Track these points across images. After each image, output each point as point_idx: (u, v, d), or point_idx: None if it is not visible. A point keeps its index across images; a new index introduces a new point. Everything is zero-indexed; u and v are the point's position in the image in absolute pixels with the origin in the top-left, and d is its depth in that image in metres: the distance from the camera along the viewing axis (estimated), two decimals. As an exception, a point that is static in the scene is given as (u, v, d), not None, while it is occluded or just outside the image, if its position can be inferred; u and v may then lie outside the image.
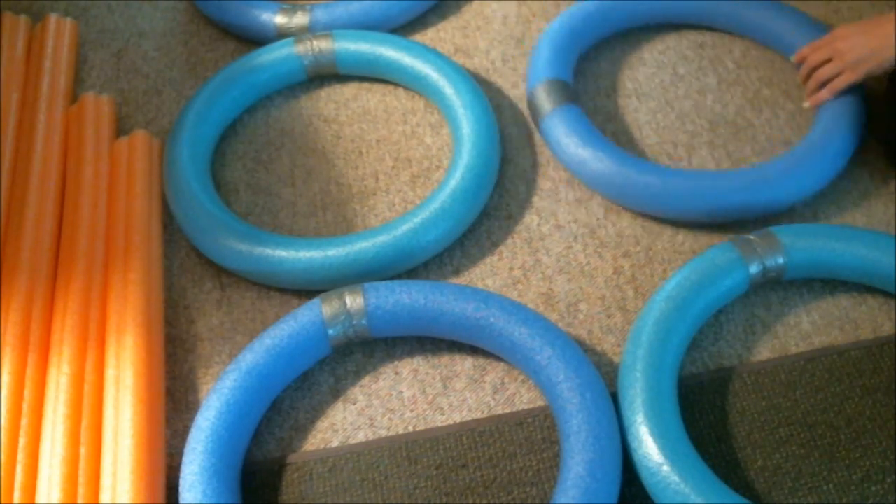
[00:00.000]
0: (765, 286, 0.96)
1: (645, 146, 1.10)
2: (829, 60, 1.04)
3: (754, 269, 0.92)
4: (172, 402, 0.94)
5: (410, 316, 0.90)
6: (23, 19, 1.23)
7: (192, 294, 1.02)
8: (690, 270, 0.92)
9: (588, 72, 1.17)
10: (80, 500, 0.83)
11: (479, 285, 1.00)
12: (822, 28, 1.12)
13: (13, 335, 0.92)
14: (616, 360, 0.94)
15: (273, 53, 1.15)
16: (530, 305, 0.98)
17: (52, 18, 1.23)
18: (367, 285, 0.92)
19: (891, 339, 0.92)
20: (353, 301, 0.90)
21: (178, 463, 0.90)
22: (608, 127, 1.12)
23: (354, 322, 0.90)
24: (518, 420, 0.90)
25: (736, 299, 0.95)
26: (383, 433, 0.91)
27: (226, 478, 0.83)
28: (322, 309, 0.91)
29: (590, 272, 1.00)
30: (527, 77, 1.13)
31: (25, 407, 0.89)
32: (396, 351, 0.96)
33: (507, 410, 0.92)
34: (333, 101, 1.18)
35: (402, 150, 1.12)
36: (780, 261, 0.92)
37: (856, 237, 0.93)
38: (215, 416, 0.85)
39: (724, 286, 0.91)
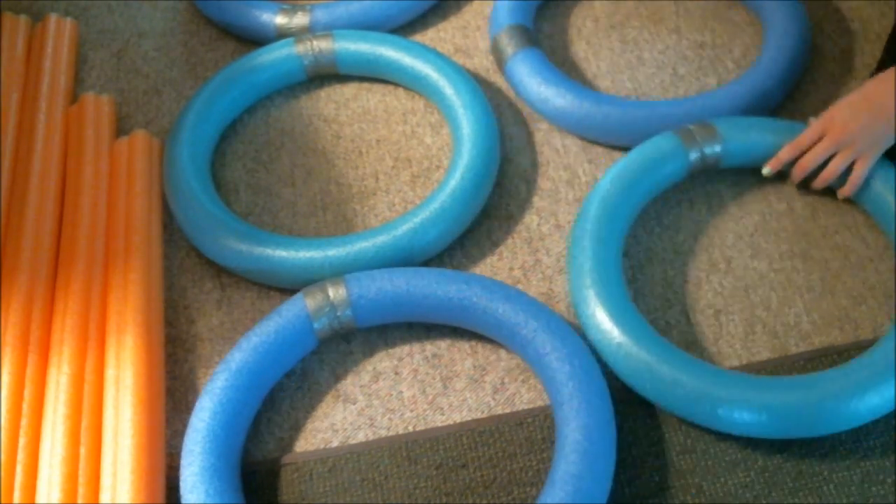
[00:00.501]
0: (704, 173, 1.04)
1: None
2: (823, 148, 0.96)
3: (693, 155, 1.00)
4: (172, 402, 0.94)
5: (394, 303, 0.91)
6: (23, 19, 1.23)
7: (192, 294, 1.02)
8: (636, 154, 1.00)
9: (587, 72, 1.17)
10: (80, 500, 0.83)
11: (479, 285, 1.00)
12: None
13: (13, 335, 0.92)
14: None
15: (273, 53, 1.15)
16: (530, 305, 0.98)
17: (52, 18, 1.23)
18: (348, 276, 0.92)
19: (891, 339, 0.92)
20: (336, 292, 0.91)
21: (177, 463, 0.90)
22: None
23: (339, 313, 0.91)
24: (518, 420, 0.90)
25: (677, 186, 1.04)
26: (383, 433, 0.91)
27: (226, 476, 0.83)
28: (306, 303, 0.91)
29: (590, 272, 1.00)
30: (489, 27, 1.19)
31: (25, 407, 0.89)
32: (396, 351, 0.96)
33: (507, 410, 0.92)
34: (333, 101, 1.18)
35: (402, 150, 1.12)
36: (717, 149, 1.00)
37: (788, 129, 1.00)
38: (210, 417, 0.85)
39: (665, 170, 1.00)
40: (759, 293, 0.97)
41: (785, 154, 0.98)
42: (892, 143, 0.95)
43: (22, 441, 0.87)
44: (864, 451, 0.86)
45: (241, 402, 0.87)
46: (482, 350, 0.96)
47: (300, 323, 0.91)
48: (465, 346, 0.96)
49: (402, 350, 0.96)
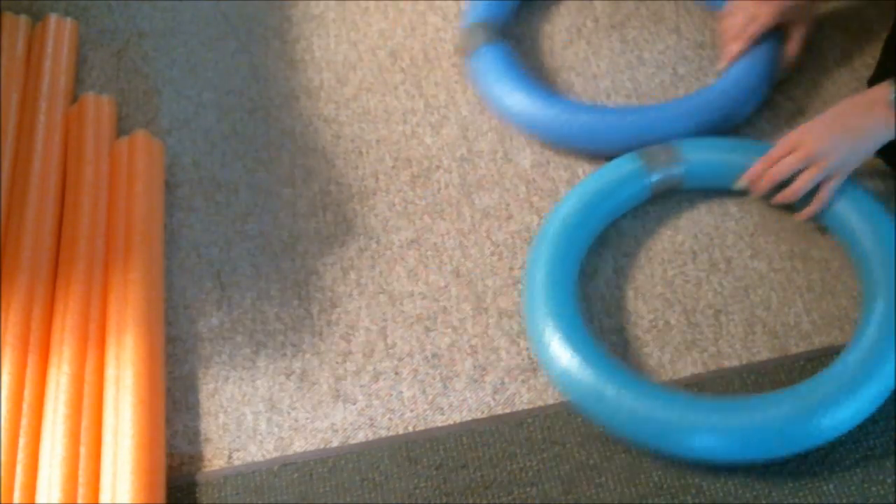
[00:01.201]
0: (667, 194, 1.03)
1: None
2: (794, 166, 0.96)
3: (655, 177, 0.99)
4: (172, 402, 0.94)
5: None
6: (23, 19, 1.23)
7: (192, 294, 1.02)
8: (600, 175, 1.00)
9: (587, 72, 1.17)
10: (80, 500, 0.84)
11: (479, 285, 1.00)
12: None
13: (13, 335, 0.92)
14: (616, 359, 0.94)
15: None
16: (530, 305, 0.98)
17: (52, 18, 1.23)
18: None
19: (891, 339, 0.92)
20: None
21: (177, 463, 0.90)
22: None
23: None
24: (518, 420, 0.90)
25: (639, 208, 1.03)
26: (383, 433, 0.91)
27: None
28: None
29: (590, 272, 1.00)
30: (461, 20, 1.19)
31: (25, 407, 0.89)
32: (396, 351, 0.96)
33: (507, 410, 0.92)
34: (333, 102, 1.18)
35: (402, 150, 1.12)
36: (680, 170, 1.00)
37: (751, 149, 0.99)
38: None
39: (627, 193, 1.00)
40: (759, 293, 0.97)
41: (758, 167, 0.98)
42: (859, 164, 0.94)
43: (22, 441, 0.87)
44: (864, 451, 0.86)
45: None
46: (482, 350, 0.96)
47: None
48: (465, 346, 0.96)
49: (402, 350, 0.96)
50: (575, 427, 0.90)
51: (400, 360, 0.96)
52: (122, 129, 1.16)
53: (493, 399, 0.93)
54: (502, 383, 0.93)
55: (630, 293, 0.98)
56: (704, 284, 0.98)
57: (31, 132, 1.10)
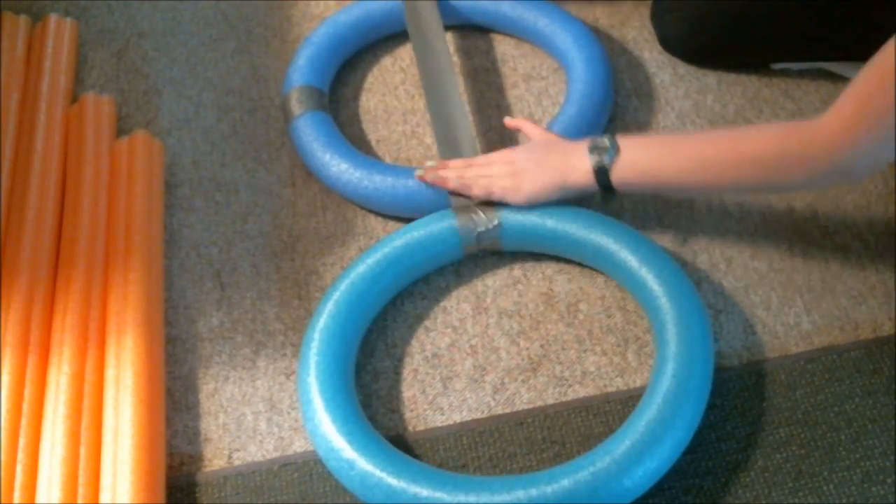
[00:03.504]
0: (481, 254, 1.00)
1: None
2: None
3: (467, 239, 0.95)
4: (172, 402, 0.94)
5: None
6: (23, 19, 1.23)
7: (192, 294, 1.02)
8: (409, 232, 0.95)
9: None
10: (80, 500, 0.84)
11: (479, 285, 1.00)
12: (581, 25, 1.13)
13: (13, 335, 0.92)
14: (616, 359, 0.94)
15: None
16: (530, 305, 0.98)
17: (52, 18, 1.23)
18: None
19: (891, 339, 0.92)
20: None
21: (177, 463, 0.90)
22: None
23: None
24: (518, 420, 0.90)
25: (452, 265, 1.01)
26: (383, 433, 0.91)
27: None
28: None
29: (590, 272, 1.00)
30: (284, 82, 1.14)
31: (25, 407, 0.89)
32: (396, 351, 0.96)
33: (507, 410, 0.92)
34: (333, 101, 1.17)
35: (402, 150, 1.12)
36: (495, 233, 0.95)
37: (571, 215, 0.94)
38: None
39: (436, 251, 0.96)
40: (759, 293, 0.97)
41: (452, 169, 0.96)
42: (529, 201, 0.93)
43: (22, 441, 0.87)
44: (864, 451, 0.86)
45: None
46: (482, 350, 0.96)
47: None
48: (465, 346, 0.96)
49: (402, 350, 0.96)
50: (575, 427, 0.90)
51: (400, 360, 0.96)
52: (122, 129, 1.16)
53: (493, 399, 0.93)
54: (502, 383, 0.93)
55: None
56: (704, 284, 0.98)
57: (31, 132, 1.10)
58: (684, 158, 0.86)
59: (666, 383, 0.82)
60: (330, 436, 0.84)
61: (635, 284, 0.92)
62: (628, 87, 1.15)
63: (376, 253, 0.95)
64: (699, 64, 1.15)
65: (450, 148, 1.01)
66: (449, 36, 1.23)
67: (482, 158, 0.97)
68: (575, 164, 0.90)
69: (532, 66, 1.18)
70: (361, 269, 0.94)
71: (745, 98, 1.13)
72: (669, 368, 0.83)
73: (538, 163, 0.93)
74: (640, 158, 0.88)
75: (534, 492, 0.78)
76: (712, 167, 0.85)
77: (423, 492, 0.80)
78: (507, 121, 1.03)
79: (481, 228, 0.95)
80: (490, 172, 0.95)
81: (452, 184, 0.96)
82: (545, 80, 1.17)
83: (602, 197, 0.92)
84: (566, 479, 0.79)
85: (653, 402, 0.82)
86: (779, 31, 1.08)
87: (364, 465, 0.82)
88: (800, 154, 0.79)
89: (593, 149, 0.90)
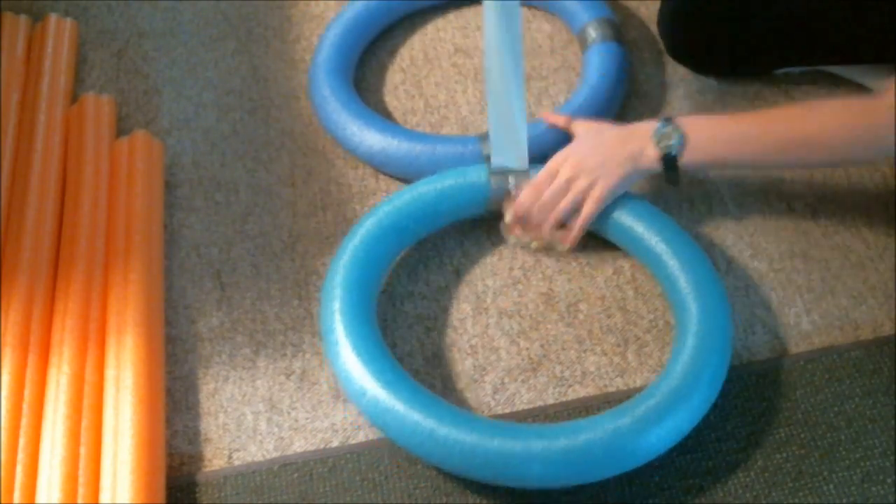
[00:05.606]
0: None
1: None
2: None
3: (497, 192, 0.97)
4: (172, 402, 0.94)
5: None
6: (23, 19, 1.23)
7: (192, 294, 1.02)
8: (442, 177, 0.98)
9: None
10: (80, 500, 0.83)
11: (479, 285, 1.00)
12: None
13: (13, 335, 0.92)
14: (616, 359, 0.94)
15: None
16: (530, 305, 0.98)
17: (52, 18, 1.23)
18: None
19: (891, 339, 0.93)
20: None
21: (177, 463, 0.90)
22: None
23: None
24: (518, 420, 0.90)
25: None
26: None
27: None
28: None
29: (590, 272, 1.00)
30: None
31: (25, 407, 0.89)
32: (396, 351, 0.96)
33: (507, 410, 0.92)
34: (333, 101, 1.17)
35: (402, 150, 1.12)
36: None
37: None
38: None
39: (464, 200, 0.98)
40: (759, 293, 0.97)
41: (526, 198, 0.95)
42: (613, 196, 0.93)
43: (22, 441, 0.87)
44: (864, 451, 0.86)
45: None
46: (482, 350, 0.96)
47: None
48: (465, 346, 0.96)
49: (403, 350, 0.96)
50: (575, 427, 0.90)
51: (400, 360, 0.96)
52: (122, 129, 1.16)
53: (493, 399, 0.93)
54: (502, 383, 0.93)
55: (630, 293, 0.98)
56: (704, 284, 0.98)
57: (31, 132, 1.10)
58: (752, 142, 0.89)
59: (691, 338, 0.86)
60: (350, 366, 0.86)
61: (649, 254, 0.94)
62: (628, 87, 1.15)
63: (405, 194, 0.97)
64: (707, 73, 1.14)
65: (502, 153, 0.98)
66: (449, 36, 1.23)
67: (544, 174, 0.95)
68: (643, 151, 0.92)
69: (532, 67, 1.18)
70: (388, 207, 0.96)
71: (746, 99, 1.13)
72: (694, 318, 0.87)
73: (606, 157, 0.93)
74: (707, 145, 0.91)
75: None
76: (780, 149, 0.89)
77: (443, 429, 0.81)
78: (547, 120, 1.03)
79: (511, 186, 0.97)
80: (560, 186, 0.93)
81: (546, 229, 0.96)
82: (545, 80, 1.17)
83: (667, 178, 0.93)
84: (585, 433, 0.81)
85: (684, 350, 0.85)
86: (787, 39, 1.07)
87: (384, 397, 0.83)
88: (865, 133, 0.84)
89: (659, 136, 0.91)
